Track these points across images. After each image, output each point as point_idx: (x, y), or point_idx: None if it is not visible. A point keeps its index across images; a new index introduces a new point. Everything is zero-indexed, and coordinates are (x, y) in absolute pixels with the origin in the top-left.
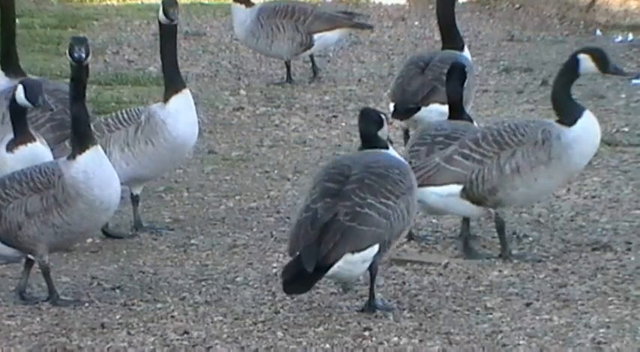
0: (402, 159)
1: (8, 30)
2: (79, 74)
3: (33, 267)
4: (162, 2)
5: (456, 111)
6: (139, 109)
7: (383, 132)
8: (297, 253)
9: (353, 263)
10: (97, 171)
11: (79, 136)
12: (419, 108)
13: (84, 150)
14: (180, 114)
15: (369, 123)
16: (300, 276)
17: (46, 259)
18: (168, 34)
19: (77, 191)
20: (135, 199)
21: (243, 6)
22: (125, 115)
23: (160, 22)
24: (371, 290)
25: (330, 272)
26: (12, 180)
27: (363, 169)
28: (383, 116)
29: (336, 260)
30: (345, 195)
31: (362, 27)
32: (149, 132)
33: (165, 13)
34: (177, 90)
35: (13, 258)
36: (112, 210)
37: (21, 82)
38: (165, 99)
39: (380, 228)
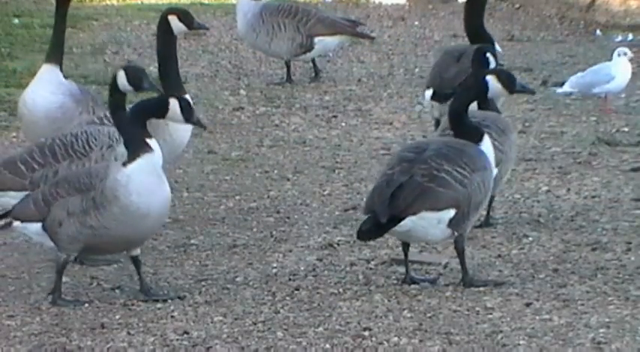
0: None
1: (62, 31)
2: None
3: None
4: (177, 12)
5: (484, 101)
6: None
7: None
8: (373, 211)
9: (427, 219)
10: (142, 178)
11: (131, 144)
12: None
13: (136, 157)
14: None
15: None
16: (374, 226)
17: (68, 259)
18: (173, 44)
19: (114, 194)
20: None
21: None
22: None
23: (167, 32)
24: (462, 265)
25: (404, 226)
26: (64, 178)
27: (441, 144)
28: None
29: (413, 214)
30: (421, 161)
31: (364, 36)
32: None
33: (187, 24)
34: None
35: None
36: (154, 220)
37: (123, 68)
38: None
39: (457, 193)
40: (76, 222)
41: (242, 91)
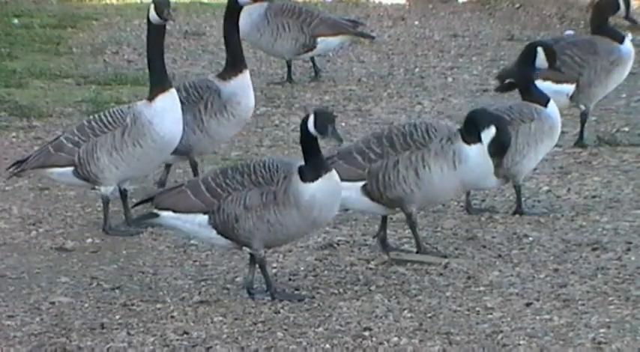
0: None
1: (239, 42)
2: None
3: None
4: (155, 1)
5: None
6: (122, 110)
7: None
8: None
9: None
10: (325, 198)
11: (313, 164)
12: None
13: (316, 178)
14: (167, 113)
15: None
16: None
17: (262, 253)
18: (158, 34)
19: (297, 201)
20: (124, 193)
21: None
22: (110, 118)
23: (149, 21)
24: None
25: None
26: (234, 170)
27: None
28: None
29: None
30: None
31: (364, 36)
32: (136, 133)
33: (159, 13)
34: (163, 90)
35: (227, 249)
36: (326, 224)
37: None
38: (151, 98)
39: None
40: (254, 215)
41: None
